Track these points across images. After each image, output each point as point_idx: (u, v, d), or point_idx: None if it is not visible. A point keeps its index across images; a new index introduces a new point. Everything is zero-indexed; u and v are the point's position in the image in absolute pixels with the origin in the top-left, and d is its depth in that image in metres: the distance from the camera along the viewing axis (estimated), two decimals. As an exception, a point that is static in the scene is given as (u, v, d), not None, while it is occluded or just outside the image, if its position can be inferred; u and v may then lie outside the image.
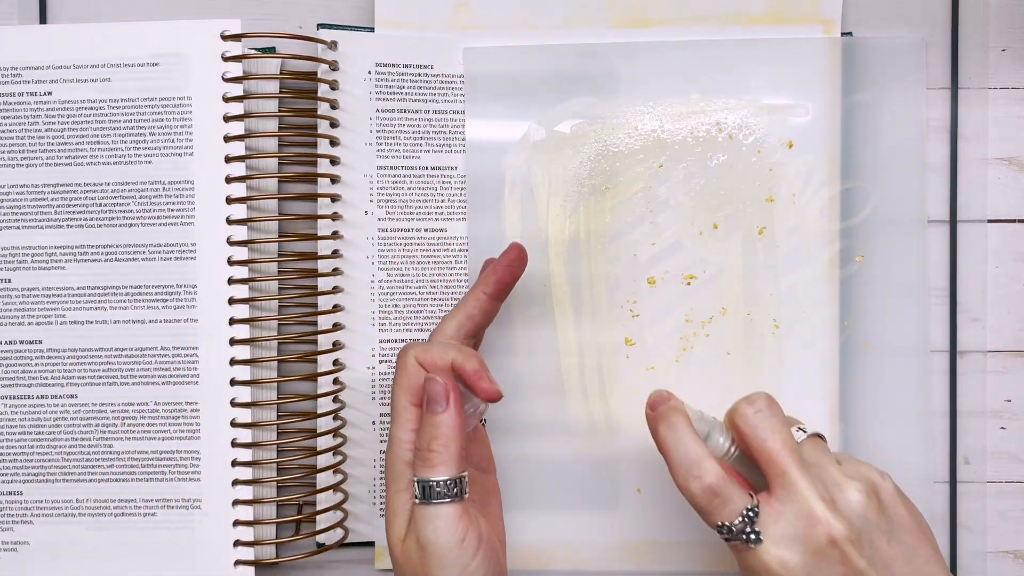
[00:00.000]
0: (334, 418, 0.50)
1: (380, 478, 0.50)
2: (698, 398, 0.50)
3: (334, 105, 0.50)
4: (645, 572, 0.51)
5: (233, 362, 0.48)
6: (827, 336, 0.50)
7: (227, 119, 0.48)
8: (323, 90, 0.49)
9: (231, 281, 0.48)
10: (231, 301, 0.48)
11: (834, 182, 0.50)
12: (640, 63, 0.50)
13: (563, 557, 0.51)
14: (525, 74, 0.50)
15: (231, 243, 0.48)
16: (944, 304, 0.51)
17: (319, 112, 0.49)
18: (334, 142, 0.50)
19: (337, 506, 0.49)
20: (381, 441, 0.50)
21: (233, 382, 0.48)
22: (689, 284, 0.50)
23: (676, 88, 0.50)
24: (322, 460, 0.50)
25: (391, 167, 0.50)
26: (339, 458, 0.50)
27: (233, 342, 0.48)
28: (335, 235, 0.50)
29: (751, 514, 0.37)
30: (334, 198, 0.50)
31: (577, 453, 0.50)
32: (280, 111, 0.50)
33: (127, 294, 0.48)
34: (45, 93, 0.48)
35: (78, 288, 0.49)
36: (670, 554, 0.51)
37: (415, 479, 0.40)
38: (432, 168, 0.50)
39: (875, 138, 0.50)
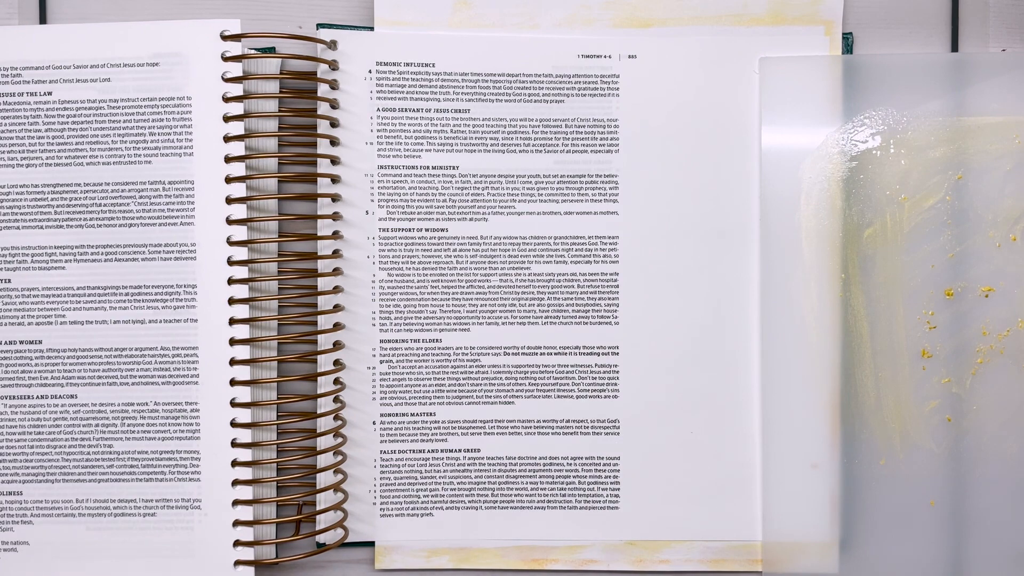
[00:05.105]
0: (334, 418, 0.49)
1: (380, 478, 0.50)
2: (992, 413, 0.49)
3: (334, 105, 0.49)
4: (645, 572, 0.51)
5: (233, 362, 0.48)
6: None
7: (227, 119, 0.48)
8: (323, 90, 0.49)
9: (231, 281, 0.48)
10: (231, 301, 0.48)
11: None
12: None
13: (563, 557, 0.51)
14: (823, 81, 0.50)
15: (231, 243, 0.48)
16: None
17: (319, 112, 0.49)
18: (334, 142, 0.50)
19: (337, 506, 0.49)
20: (381, 441, 0.50)
21: (233, 382, 0.48)
22: (987, 296, 0.50)
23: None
24: (322, 460, 0.50)
25: (392, 166, 0.50)
26: (339, 458, 0.50)
27: (233, 342, 0.48)
28: (335, 235, 0.50)
29: None
30: (334, 198, 0.50)
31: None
32: (280, 111, 0.49)
33: (127, 294, 0.48)
34: (45, 93, 0.48)
35: (78, 288, 0.48)
36: (670, 554, 0.51)
37: None
38: (434, 167, 0.50)
39: None
